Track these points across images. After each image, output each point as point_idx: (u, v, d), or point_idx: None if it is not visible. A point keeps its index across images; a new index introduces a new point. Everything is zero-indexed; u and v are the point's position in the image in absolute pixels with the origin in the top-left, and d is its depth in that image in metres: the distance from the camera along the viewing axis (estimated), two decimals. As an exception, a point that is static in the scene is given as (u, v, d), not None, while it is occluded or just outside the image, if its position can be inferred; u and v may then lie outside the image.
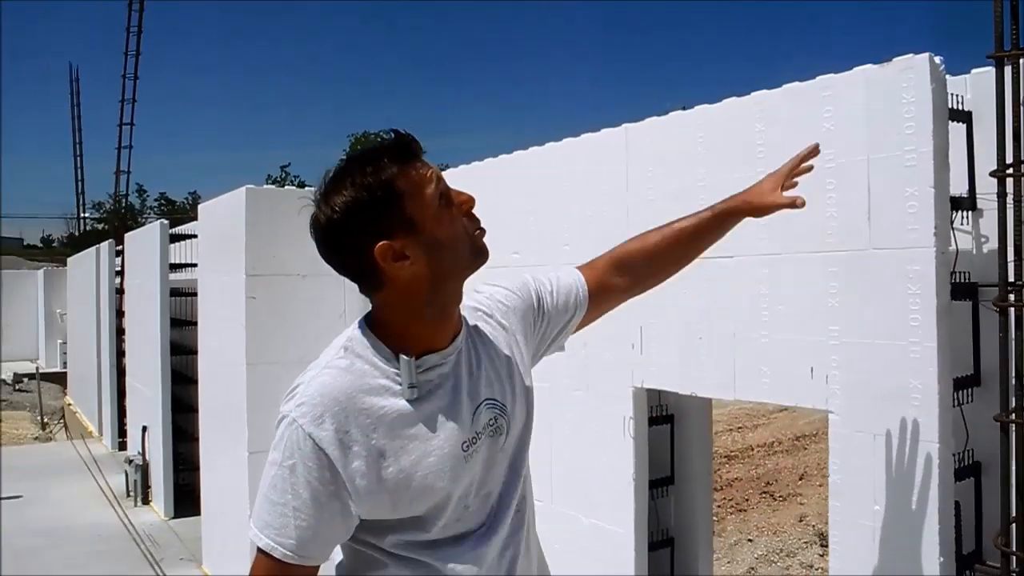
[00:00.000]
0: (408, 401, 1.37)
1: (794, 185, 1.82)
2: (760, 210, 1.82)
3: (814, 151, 1.86)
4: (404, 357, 1.37)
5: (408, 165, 1.36)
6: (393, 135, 1.39)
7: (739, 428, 11.92)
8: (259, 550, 1.37)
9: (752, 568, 6.75)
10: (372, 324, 1.43)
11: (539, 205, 3.50)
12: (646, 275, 1.85)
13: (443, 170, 2.04)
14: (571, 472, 3.31)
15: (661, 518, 3.38)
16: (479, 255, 1.44)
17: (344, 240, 1.36)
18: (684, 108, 2.93)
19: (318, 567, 1.39)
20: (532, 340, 1.65)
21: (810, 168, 1.85)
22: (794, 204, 1.75)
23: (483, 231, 1.46)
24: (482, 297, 1.61)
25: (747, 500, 8.55)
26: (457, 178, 4.16)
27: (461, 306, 1.52)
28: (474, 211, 1.45)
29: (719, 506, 8.40)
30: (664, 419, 3.37)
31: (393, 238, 1.34)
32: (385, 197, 1.33)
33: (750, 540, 7.37)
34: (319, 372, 1.38)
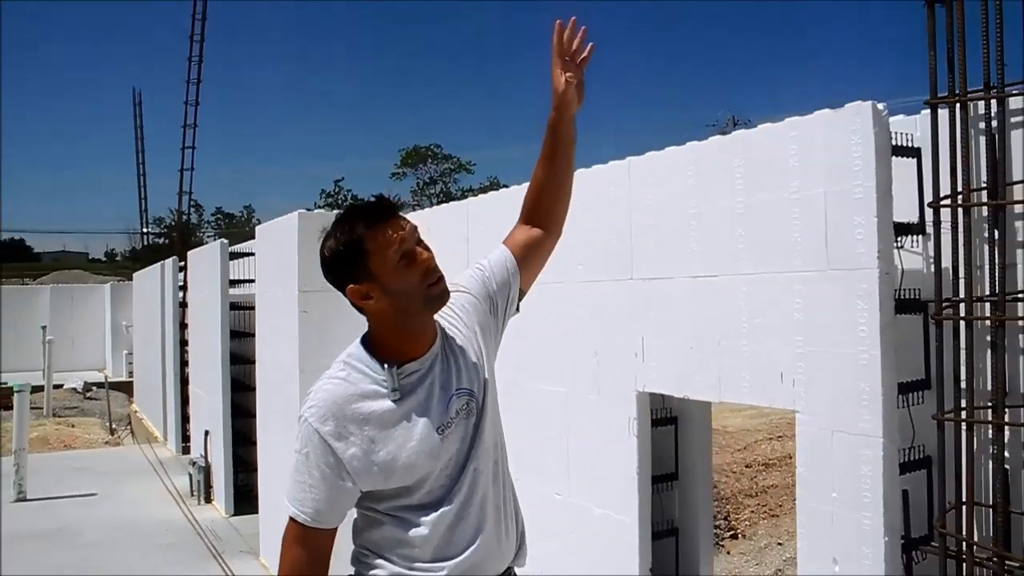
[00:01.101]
0: (393, 401, 1.78)
1: (578, 66, 2.00)
2: (561, 105, 2.00)
3: (557, 30, 1.97)
4: (388, 367, 1.79)
5: (377, 228, 1.77)
6: (374, 199, 1.83)
7: (779, 437, 12.06)
8: (289, 517, 1.82)
9: (779, 570, 7.00)
10: (366, 341, 1.87)
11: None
12: (548, 211, 2.11)
13: (493, 185, 2.36)
14: (585, 467, 3.67)
15: (666, 510, 3.72)
16: (430, 302, 1.83)
17: (331, 277, 1.84)
18: (735, 119, 3.28)
19: (333, 531, 1.83)
20: (491, 321, 2.03)
21: (571, 43, 1.98)
22: (566, 82, 1.97)
23: (437, 282, 1.81)
24: (447, 306, 1.98)
25: (780, 506, 8.75)
26: (489, 203, 4.59)
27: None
28: (432, 267, 1.80)
29: (752, 511, 8.63)
30: (668, 420, 3.72)
31: (360, 283, 1.79)
32: (355, 253, 1.77)
33: (780, 544, 7.60)
34: (325, 382, 1.84)
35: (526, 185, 4.11)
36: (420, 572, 1.82)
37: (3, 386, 11.13)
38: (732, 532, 8.07)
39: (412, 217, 5.32)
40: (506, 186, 4.73)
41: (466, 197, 4.90)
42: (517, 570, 2.05)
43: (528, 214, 2.13)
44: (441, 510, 1.82)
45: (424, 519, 1.81)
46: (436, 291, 1.82)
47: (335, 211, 6.66)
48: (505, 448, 2.02)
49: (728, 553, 7.62)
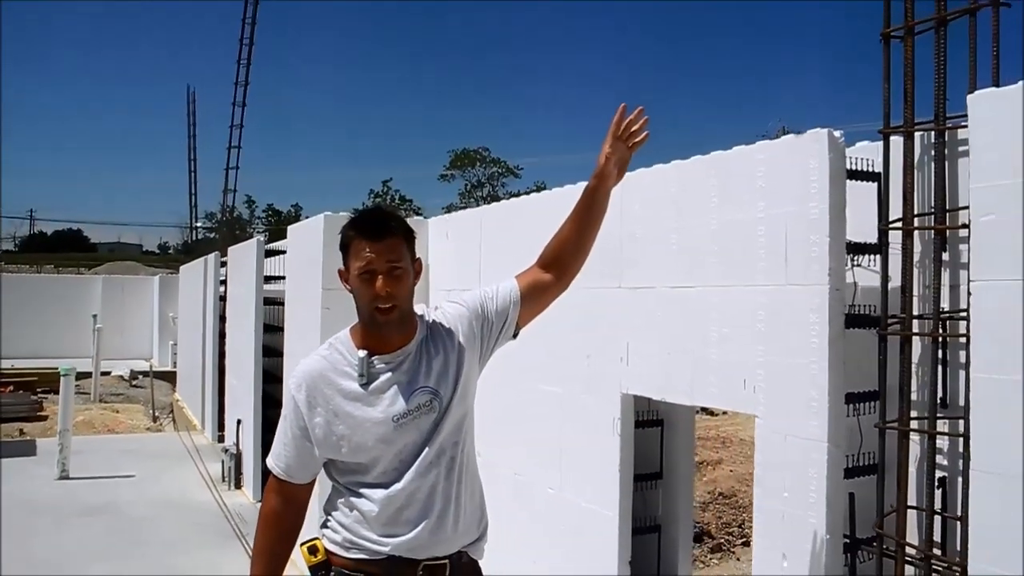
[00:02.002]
0: (360, 385, 2.03)
1: (629, 148, 2.30)
2: (600, 175, 2.31)
3: (621, 111, 2.28)
4: (361, 355, 2.03)
5: (359, 239, 2.06)
6: (381, 213, 2.13)
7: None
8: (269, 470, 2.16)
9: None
10: (354, 328, 2.10)
11: (556, 237, 4.11)
12: (563, 264, 2.36)
13: (540, 190, 2.67)
14: (575, 464, 3.89)
15: (650, 507, 3.92)
16: (372, 323, 2.09)
17: None
18: (785, 128, 3.49)
19: (307, 485, 2.14)
20: (477, 339, 2.24)
21: (629, 128, 2.29)
22: (606, 157, 2.27)
23: (386, 311, 2.06)
24: (441, 313, 2.25)
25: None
26: (500, 212, 4.82)
27: (428, 316, 2.16)
28: (382, 296, 2.04)
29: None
30: (655, 423, 3.91)
31: (347, 268, 2.10)
32: (343, 246, 2.10)
33: (790, 551, 7.70)
34: (310, 356, 2.14)
35: (539, 195, 4.38)
36: (367, 543, 2.08)
37: (52, 371, 11.64)
38: (745, 540, 8.18)
39: (434, 222, 5.59)
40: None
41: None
42: (480, 561, 2.27)
43: (545, 260, 2.36)
44: (391, 491, 2.06)
45: (375, 496, 2.06)
46: (380, 317, 2.06)
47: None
48: (470, 449, 2.24)
49: (739, 559, 7.76)
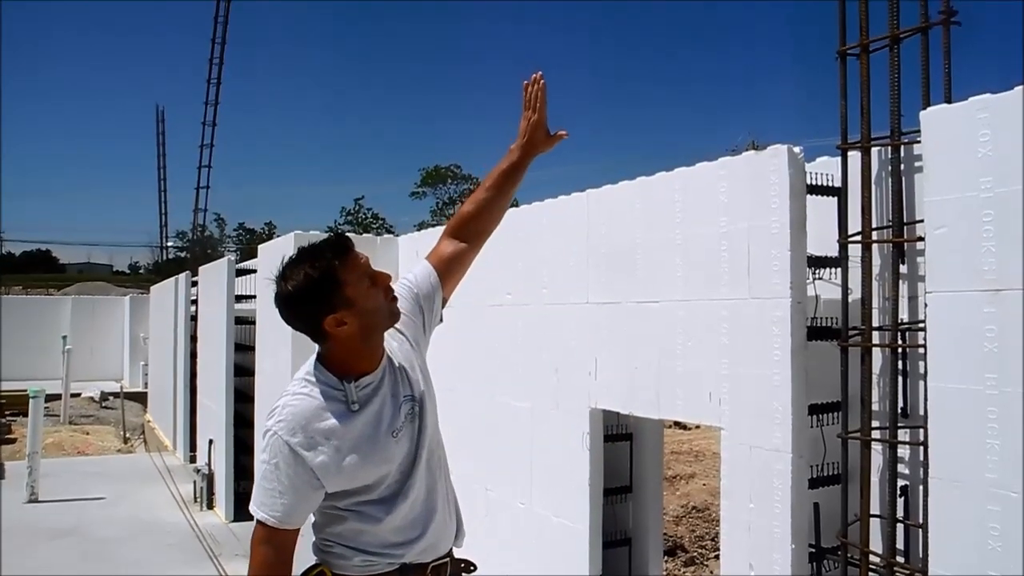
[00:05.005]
0: (353, 412, 2.02)
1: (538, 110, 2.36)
2: (546, 150, 2.40)
3: (533, 80, 2.36)
4: (347, 383, 2.03)
5: (347, 257, 2.01)
6: (333, 235, 2.07)
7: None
8: (257, 521, 2.05)
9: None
10: (323, 360, 2.08)
11: (524, 254, 4.14)
12: (481, 230, 2.39)
13: (513, 204, 2.69)
14: (545, 479, 3.90)
15: (621, 520, 3.94)
16: (392, 317, 2.09)
17: (299, 311, 2.01)
18: (755, 143, 3.53)
19: (298, 529, 2.06)
20: (421, 334, 2.28)
21: (537, 90, 2.36)
22: (563, 136, 2.37)
23: (395, 299, 2.08)
24: None
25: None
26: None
27: None
28: (389, 284, 2.07)
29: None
30: (624, 436, 3.94)
31: (336, 312, 1.98)
32: (331, 282, 1.97)
33: (764, 563, 7.74)
34: (290, 398, 2.04)
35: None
36: (382, 558, 2.07)
37: (21, 393, 11.50)
38: (718, 553, 8.20)
39: (404, 240, 5.61)
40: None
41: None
42: (455, 551, 2.28)
43: (459, 229, 2.38)
44: (397, 503, 2.06)
45: (383, 512, 2.05)
46: (395, 306, 2.09)
47: (323, 234, 6.92)
48: (443, 446, 2.26)
49: (712, 572, 7.77)
